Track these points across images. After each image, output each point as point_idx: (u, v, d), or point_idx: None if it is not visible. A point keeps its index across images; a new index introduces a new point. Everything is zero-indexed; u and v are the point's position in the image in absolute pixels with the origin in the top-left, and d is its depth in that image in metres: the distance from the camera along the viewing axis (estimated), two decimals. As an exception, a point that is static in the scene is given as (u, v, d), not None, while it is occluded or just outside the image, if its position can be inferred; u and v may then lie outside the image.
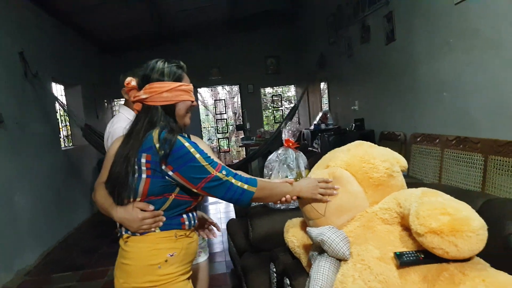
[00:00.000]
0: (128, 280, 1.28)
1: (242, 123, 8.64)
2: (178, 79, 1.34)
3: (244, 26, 7.82)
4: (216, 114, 9.38)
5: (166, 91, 1.30)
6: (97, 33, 6.79)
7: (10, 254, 3.60)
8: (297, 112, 9.19)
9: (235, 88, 9.52)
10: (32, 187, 4.15)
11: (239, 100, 8.88)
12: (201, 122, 8.92)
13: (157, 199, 1.26)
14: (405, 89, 3.80)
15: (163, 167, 1.21)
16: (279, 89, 9.76)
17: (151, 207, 1.25)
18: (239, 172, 1.45)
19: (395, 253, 1.14)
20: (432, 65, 3.29)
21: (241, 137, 7.82)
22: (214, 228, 1.65)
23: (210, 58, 8.22)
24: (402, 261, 1.11)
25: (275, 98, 9.77)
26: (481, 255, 1.10)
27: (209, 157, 1.27)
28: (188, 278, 1.39)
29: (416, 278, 1.09)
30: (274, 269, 1.86)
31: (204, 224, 1.64)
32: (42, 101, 4.70)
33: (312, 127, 6.04)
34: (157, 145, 1.20)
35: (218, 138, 9.45)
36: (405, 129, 3.88)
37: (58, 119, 5.41)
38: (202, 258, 1.90)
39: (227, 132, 9.50)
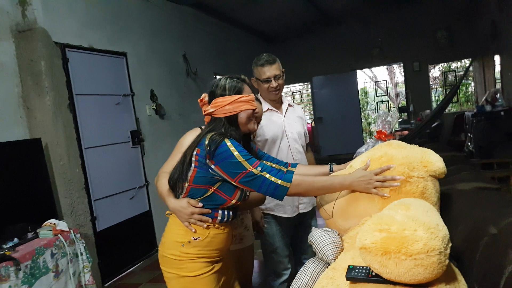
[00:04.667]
0: (161, 248, 1.55)
1: (406, 105, 8.01)
2: (239, 91, 1.52)
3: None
4: (376, 96, 8.94)
5: (228, 104, 1.49)
6: (258, 26, 7.39)
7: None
8: (475, 91, 7.88)
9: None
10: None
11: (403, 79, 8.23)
12: (360, 105, 8.68)
13: (199, 188, 1.46)
14: None
15: (207, 161, 1.41)
16: (453, 65, 8.54)
17: (200, 205, 1.46)
18: (292, 169, 1.60)
19: (349, 266, 1.08)
20: None
21: (399, 120, 7.27)
22: None
23: (370, 38, 7.84)
24: (349, 275, 1.03)
25: (448, 75, 8.61)
26: None
27: (248, 155, 1.41)
28: (212, 262, 1.52)
29: (360, 295, 1.01)
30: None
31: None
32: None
33: (475, 109, 5.18)
34: (206, 143, 1.41)
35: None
36: None
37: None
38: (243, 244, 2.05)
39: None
